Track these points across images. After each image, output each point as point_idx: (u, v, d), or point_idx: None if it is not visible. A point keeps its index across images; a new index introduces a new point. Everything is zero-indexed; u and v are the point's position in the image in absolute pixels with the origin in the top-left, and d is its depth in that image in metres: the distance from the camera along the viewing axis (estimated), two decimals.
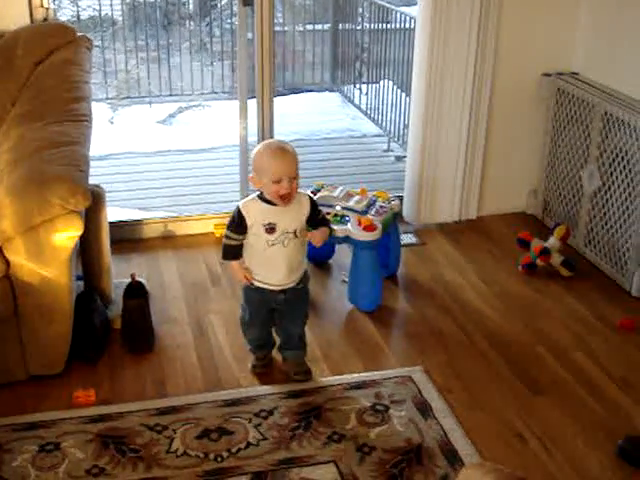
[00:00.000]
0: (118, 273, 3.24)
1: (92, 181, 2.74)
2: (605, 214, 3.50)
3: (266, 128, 3.72)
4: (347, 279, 3.28)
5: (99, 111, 5.81)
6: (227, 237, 2.62)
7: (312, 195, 2.95)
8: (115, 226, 3.45)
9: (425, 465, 2.40)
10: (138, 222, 3.78)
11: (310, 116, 6.48)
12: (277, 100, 3.81)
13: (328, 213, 3.08)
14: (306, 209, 2.60)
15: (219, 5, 7.18)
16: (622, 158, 3.36)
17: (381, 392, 2.72)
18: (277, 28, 6.36)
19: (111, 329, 2.99)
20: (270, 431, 2.52)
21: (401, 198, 3.76)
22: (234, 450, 2.44)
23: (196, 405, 2.63)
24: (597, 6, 3.65)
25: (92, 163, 2.77)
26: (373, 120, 6.23)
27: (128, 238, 3.68)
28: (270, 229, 2.54)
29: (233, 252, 2.64)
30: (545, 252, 3.44)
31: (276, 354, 2.87)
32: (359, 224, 3.11)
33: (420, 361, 2.90)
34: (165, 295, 3.29)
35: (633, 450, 2.44)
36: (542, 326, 3.14)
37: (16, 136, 2.81)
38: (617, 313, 3.22)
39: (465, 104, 3.68)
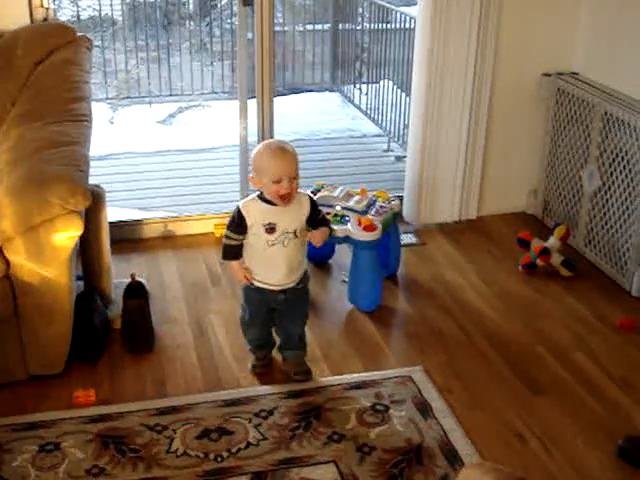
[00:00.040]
0: (118, 273, 3.24)
1: (92, 181, 2.74)
2: (605, 214, 3.50)
3: (266, 128, 3.72)
4: (347, 279, 3.28)
5: (99, 111, 5.81)
6: (227, 237, 2.62)
7: (312, 195, 2.95)
8: (115, 226, 3.45)
9: (425, 465, 2.40)
10: (138, 222, 3.78)
11: (310, 116, 6.48)
12: (277, 100, 3.81)
13: (328, 213, 3.08)
14: (306, 209, 2.60)
15: (219, 5, 7.18)
16: (622, 158, 3.36)
17: (381, 392, 2.72)
18: (277, 28, 6.36)
19: (111, 329, 2.99)
20: (270, 431, 2.52)
21: (401, 198, 3.76)
22: (234, 450, 2.44)
23: (196, 405, 2.63)
24: (597, 6, 3.65)
25: (92, 163, 2.77)
26: (373, 120, 6.23)
27: (128, 238, 3.68)
28: (270, 229, 2.54)
29: (233, 252, 2.64)
30: (545, 252, 3.45)
31: (276, 354, 2.87)
32: (359, 224, 3.11)
33: (420, 361, 2.90)
34: (165, 295, 3.29)
35: (633, 450, 2.44)
36: (542, 326, 3.14)
37: (16, 136, 2.81)
38: (617, 313, 3.22)
39: (465, 104, 3.68)
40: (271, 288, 2.64)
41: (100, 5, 6.82)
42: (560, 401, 2.71)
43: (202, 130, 6.14)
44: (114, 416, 2.57)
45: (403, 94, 5.52)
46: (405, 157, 4.07)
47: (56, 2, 6.51)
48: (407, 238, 3.76)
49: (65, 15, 6.63)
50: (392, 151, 5.73)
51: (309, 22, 7.33)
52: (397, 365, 2.88)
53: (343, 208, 3.22)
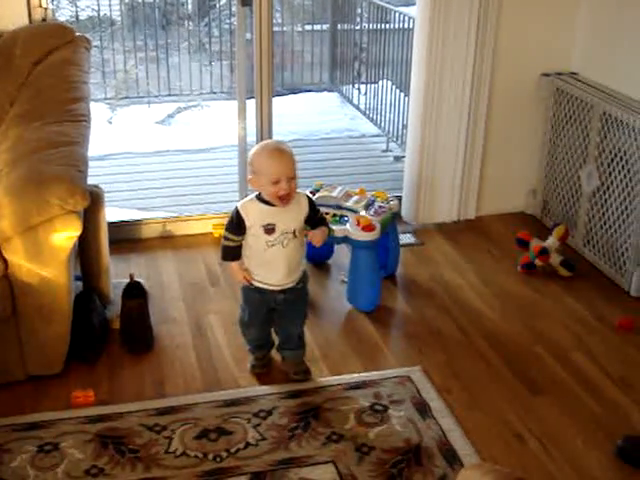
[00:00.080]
0: (117, 273, 3.24)
1: (91, 181, 2.73)
2: (604, 214, 3.50)
3: (265, 128, 3.72)
4: (346, 279, 3.28)
5: (98, 111, 5.81)
6: (226, 238, 2.62)
7: (310, 195, 2.95)
8: (114, 226, 3.45)
9: (424, 465, 2.40)
10: (137, 222, 3.78)
11: (309, 116, 6.49)
12: (276, 100, 3.82)
13: (327, 213, 3.09)
14: (305, 209, 2.60)
15: (218, 5, 7.18)
16: (621, 158, 3.36)
17: (380, 392, 2.72)
18: (276, 28, 6.35)
19: (110, 329, 2.99)
20: (269, 431, 2.52)
21: (400, 198, 3.76)
22: (233, 450, 2.44)
23: (195, 405, 2.63)
24: (596, 6, 3.65)
25: (91, 163, 2.77)
26: (372, 120, 6.23)
27: (127, 238, 3.68)
28: (269, 230, 2.54)
29: (232, 253, 2.64)
30: (544, 252, 3.45)
31: (275, 354, 2.87)
32: (358, 224, 3.11)
33: (419, 361, 2.90)
34: (164, 295, 3.29)
35: (632, 450, 2.44)
36: (541, 326, 3.14)
37: (15, 136, 2.80)
38: (616, 313, 3.22)
39: (464, 104, 3.68)
40: (271, 288, 2.64)
41: (99, 5, 6.82)
42: (559, 401, 2.71)
43: (201, 130, 6.14)
44: (113, 416, 2.57)
45: (402, 94, 5.52)
46: (404, 157, 4.07)
47: (55, 2, 6.51)
48: (406, 238, 3.76)
49: (64, 15, 6.64)
50: (391, 151, 5.73)
51: (308, 22, 7.34)
52: (396, 365, 2.88)
53: (342, 208, 3.22)
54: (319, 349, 2.96)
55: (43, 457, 2.39)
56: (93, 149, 2.94)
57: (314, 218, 2.64)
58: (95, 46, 5.97)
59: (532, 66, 3.81)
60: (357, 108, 6.59)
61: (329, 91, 7.19)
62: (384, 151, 5.78)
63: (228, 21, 6.99)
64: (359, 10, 6.84)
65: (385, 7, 6.01)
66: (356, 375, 2.81)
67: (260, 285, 2.64)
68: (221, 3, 7.12)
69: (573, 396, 2.74)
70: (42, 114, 2.88)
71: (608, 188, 3.46)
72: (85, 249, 2.96)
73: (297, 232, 2.59)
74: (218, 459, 2.41)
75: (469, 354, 2.96)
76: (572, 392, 2.76)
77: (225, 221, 2.65)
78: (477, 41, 3.58)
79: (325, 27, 7.27)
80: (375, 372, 2.83)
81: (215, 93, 6.95)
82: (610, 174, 3.44)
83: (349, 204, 3.23)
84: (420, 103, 3.65)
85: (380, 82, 6.14)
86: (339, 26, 7.13)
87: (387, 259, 3.40)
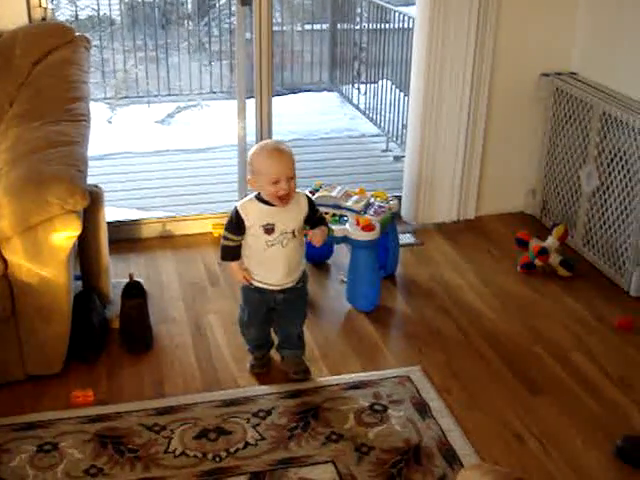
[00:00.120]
0: (116, 273, 3.24)
1: (90, 181, 2.73)
2: (603, 214, 3.50)
3: (264, 128, 3.72)
4: (345, 279, 3.28)
5: (97, 111, 5.81)
6: (225, 238, 2.62)
7: (310, 195, 2.95)
8: (113, 226, 3.45)
9: (423, 465, 2.40)
10: (136, 222, 3.78)
11: (308, 116, 6.48)
12: (275, 100, 3.81)
13: (326, 213, 3.09)
14: (304, 209, 2.60)
15: (217, 5, 7.17)
16: (620, 158, 3.36)
17: (379, 392, 2.72)
18: (275, 28, 6.36)
19: (109, 329, 2.99)
20: (268, 431, 2.52)
21: (399, 198, 3.76)
22: (232, 450, 2.44)
23: (194, 405, 2.63)
24: (596, 6, 3.65)
25: (90, 163, 2.77)
26: (372, 120, 6.23)
27: (126, 238, 3.68)
28: (269, 230, 2.54)
29: (232, 253, 2.63)
30: (543, 252, 3.45)
31: (274, 354, 2.87)
32: (357, 224, 3.11)
33: (418, 361, 2.90)
34: (163, 295, 3.29)
35: (631, 450, 2.44)
36: (540, 326, 3.14)
37: (14, 136, 2.80)
38: (615, 313, 3.22)
39: (463, 104, 3.68)
40: (270, 288, 2.64)
41: (98, 5, 6.81)
42: (558, 401, 2.71)
43: (200, 130, 6.14)
44: (112, 416, 2.57)
45: (402, 94, 5.52)
46: (403, 157, 4.07)
47: (54, 2, 6.51)
48: (405, 238, 3.76)
49: (63, 15, 6.64)
50: (390, 151, 5.73)
51: (307, 22, 7.34)
52: (395, 365, 2.88)
53: (341, 208, 3.21)
54: (319, 349, 2.96)
55: (42, 457, 2.39)
56: (93, 149, 2.94)
57: (313, 218, 2.65)
58: (95, 46, 5.97)
59: (532, 66, 3.81)
60: (357, 108, 6.59)
61: (329, 91, 7.19)
62: (384, 151, 5.78)
63: (228, 21, 6.99)
64: (359, 10, 6.84)
65: (385, 7, 6.01)
66: (355, 375, 2.81)
67: (260, 285, 2.64)
68: (221, 3, 7.12)
69: (573, 396, 2.74)
70: (42, 114, 2.88)
71: (608, 188, 3.46)
72: (85, 249, 2.96)
73: (296, 232, 2.59)
74: (217, 459, 2.41)
75: (469, 354, 2.96)
76: (572, 392, 2.76)
77: (224, 221, 2.65)
78: (477, 41, 3.58)
79: (325, 27, 7.27)
80: (375, 372, 2.83)
81: (215, 93, 6.95)
82: (610, 174, 3.44)
83: (349, 204, 3.23)
84: (420, 103, 3.65)
85: (380, 82, 6.14)
86: (339, 26, 7.13)
87: (387, 259, 3.40)
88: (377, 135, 6.04)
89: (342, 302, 3.26)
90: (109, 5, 6.88)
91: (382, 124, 5.98)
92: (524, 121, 3.90)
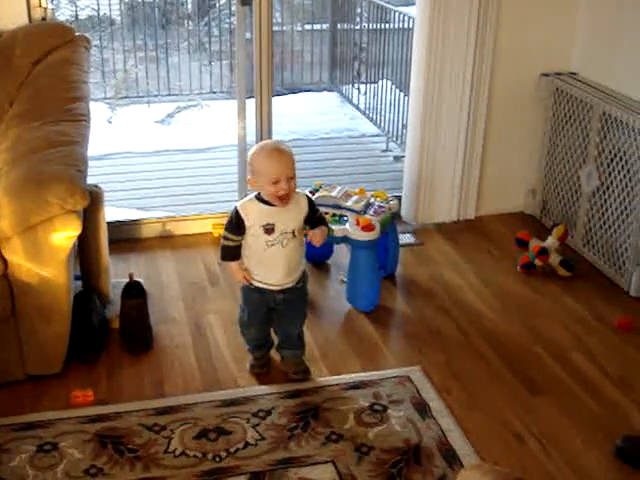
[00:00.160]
0: (116, 273, 3.24)
1: (90, 181, 2.73)
2: (603, 214, 3.50)
3: (264, 128, 3.72)
4: (345, 279, 3.28)
5: (97, 111, 5.81)
6: (225, 238, 2.62)
7: (310, 195, 2.95)
8: (113, 226, 3.45)
9: (423, 465, 2.40)
10: (136, 222, 3.78)
11: (308, 116, 6.48)
12: (275, 100, 3.81)
13: (326, 213, 3.09)
14: (304, 209, 2.60)
15: (217, 5, 7.17)
16: (620, 158, 3.36)
17: (379, 392, 2.72)
18: (275, 28, 6.36)
19: (109, 329, 2.99)
20: (268, 431, 2.52)
21: (399, 198, 3.76)
22: (232, 450, 2.44)
23: (194, 405, 2.63)
24: (596, 6, 3.65)
25: (90, 163, 2.76)
26: (372, 120, 6.22)
27: (126, 238, 3.68)
28: (269, 230, 2.54)
29: (232, 253, 2.63)
30: (543, 252, 3.45)
31: (274, 354, 2.87)
32: (357, 224, 3.11)
33: (418, 361, 2.90)
34: (163, 295, 3.29)
35: (631, 450, 2.44)
36: (540, 326, 3.14)
37: (14, 136, 2.80)
38: (615, 313, 3.22)
39: (463, 104, 3.68)
40: (270, 288, 2.64)
41: (98, 5, 6.81)
42: (558, 401, 2.71)
43: (200, 130, 6.13)
44: (112, 416, 2.57)
45: (402, 94, 5.52)
46: (403, 157, 4.07)
47: (54, 2, 6.51)
48: (405, 238, 3.76)
49: (63, 15, 6.64)
50: (390, 151, 5.73)
51: (307, 22, 7.33)
52: (395, 365, 2.88)
53: (341, 208, 3.21)
54: (318, 349, 2.96)
55: (42, 457, 2.39)
56: (93, 149, 2.94)
57: (313, 218, 2.64)
58: (95, 46, 5.97)
59: (532, 66, 3.81)
60: (357, 108, 6.59)
61: (329, 91, 7.19)
62: (384, 151, 5.78)
63: (228, 20, 6.99)
64: (359, 10, 6.84)
65: (385, 7, 6.01)
66: (355, 375, 2.81)
67: (260, 285, 2.64)
68: (221, 3, 7.12)
69: (572, 396, 2.74)
70: (42, 114, 2.88)
71: (608, 188, 3.46)
72: (85, 249, 2.96)
73: (296, 232, 2.59)
74: (217, 459, 2.41)
75: (469, 354, 2.96)
76: (571, 392, 2.76)
77: (224, 221, 2.65)
78: (477, 41, 3.58)
79: (325, 27, 7.27)
80: (374, 372, 2.83)
81: (215, 93, 6.95)
82: (610, 174, 3.44)
83: (348, 204, 3.23)
84: (420, 103, 3.65)
85: (380, 82, 6.14)
86: (339, 26, 7.12)
87: (387, 259, 3.40)
88: (377, 135, 6.04)
89: (342, 302, 3.26)
90: (109, 5, 6.87)
91: (382, 124, 5.98)
92: (524, 121, 3.90)
